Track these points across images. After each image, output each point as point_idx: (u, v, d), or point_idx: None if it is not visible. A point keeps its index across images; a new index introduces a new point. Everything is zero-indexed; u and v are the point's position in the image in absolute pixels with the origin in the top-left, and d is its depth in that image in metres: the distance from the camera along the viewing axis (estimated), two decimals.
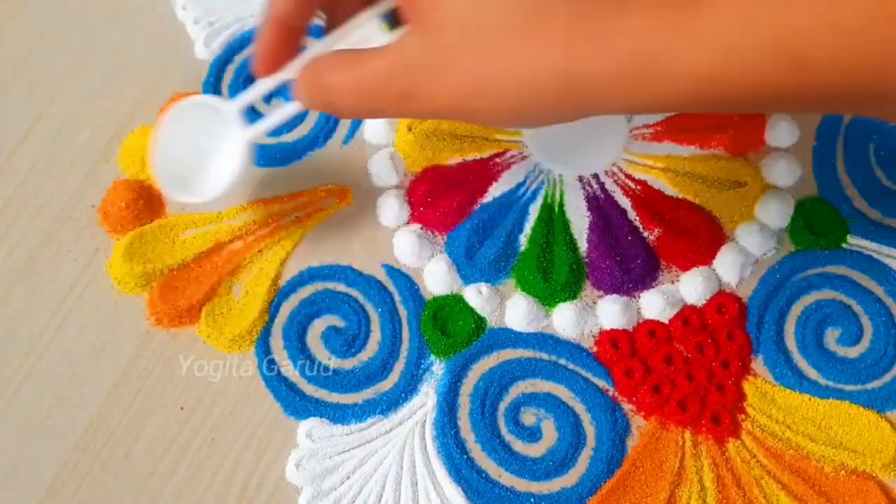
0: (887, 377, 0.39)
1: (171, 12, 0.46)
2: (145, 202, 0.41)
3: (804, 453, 0.37)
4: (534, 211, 0.41)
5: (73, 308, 0.39)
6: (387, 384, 0.38)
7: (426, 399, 0.38)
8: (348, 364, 0.39)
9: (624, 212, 0.41)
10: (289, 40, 0.36)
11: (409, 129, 0.42)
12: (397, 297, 0.40)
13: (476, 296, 0.39)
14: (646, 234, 0.41)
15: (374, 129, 0.43)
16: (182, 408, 0.38)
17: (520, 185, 0.42)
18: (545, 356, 0.39)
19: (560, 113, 0.30)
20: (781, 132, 0.43)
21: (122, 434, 0.37)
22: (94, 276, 0.40)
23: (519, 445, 0.37)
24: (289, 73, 0.36)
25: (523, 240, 0.41)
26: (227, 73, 0.44)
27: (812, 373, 0.39)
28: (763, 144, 0.43)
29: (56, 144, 0.43)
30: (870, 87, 0.27)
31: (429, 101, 0.31)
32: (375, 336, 0.39)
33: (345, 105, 0.34)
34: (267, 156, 0.42)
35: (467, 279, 0.40)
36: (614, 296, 0.40)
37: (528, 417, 0.38)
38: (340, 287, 0.40)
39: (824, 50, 0.27)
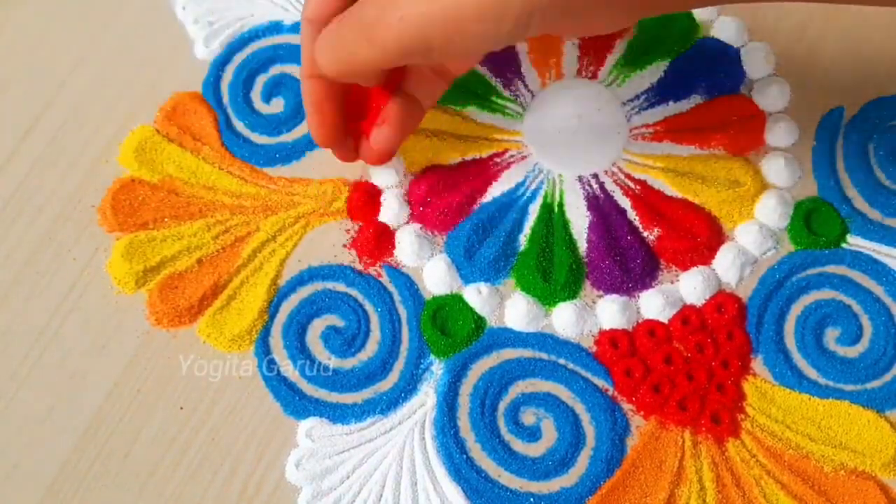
0: (887, 377, 0.39)
1: (171, 12, 0.46)
2: (145, 202, 0.41)
3: (804, 453, 0.37)
4: (533, 211, 0.41)
5: (73, 308, 0.39)
6: (386, 384, 0.38)
7: (426, 399, 0.38)
8: (348, 364, 0.39)
9: (624, 212, 0.41)
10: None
11: None
12: (397, 297, 0.40)
13: (476, 295, 0.39)
14: (646, 233, 0.41)
15: None
16: (182, 408, 0.38)
17: (519, 184, 0.42)
18: (545, 356, 0.39)
19: (526, 12, 0.29)
20: (781, 132, 0.43)
21: (122, 434, 0.37)
22: (94, 276, 0.40)
23: (518, 445, 0.38)
24: None
25: (523, 240, 0.41)
26: (226, 72, 0.44)
27: (812, 372, 0.39)
28: (763, 144, 0.43)
29: (56, 144, 0.43)
30: None
31: (399, 20, 0.30)
32: (375, 336, 0.39)
33: (329, 61, 0.33)
34: (267, 155, 0.42)
35: (467, 279, 0.40)
36: (614, 295, 0.40)
37: (528, 417, 0.38)
38: (340, 287, 0.40)
39: None
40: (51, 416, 0.38)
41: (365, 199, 0.41)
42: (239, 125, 0.43)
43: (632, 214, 0.41)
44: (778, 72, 0.44)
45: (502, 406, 0.38)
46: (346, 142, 0.39)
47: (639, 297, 0.40)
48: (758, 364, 0.39)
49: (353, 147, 0.40)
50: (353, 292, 0.40)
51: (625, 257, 0.40)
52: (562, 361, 0.39)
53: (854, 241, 0.41)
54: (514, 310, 0.39)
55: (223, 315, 0.39)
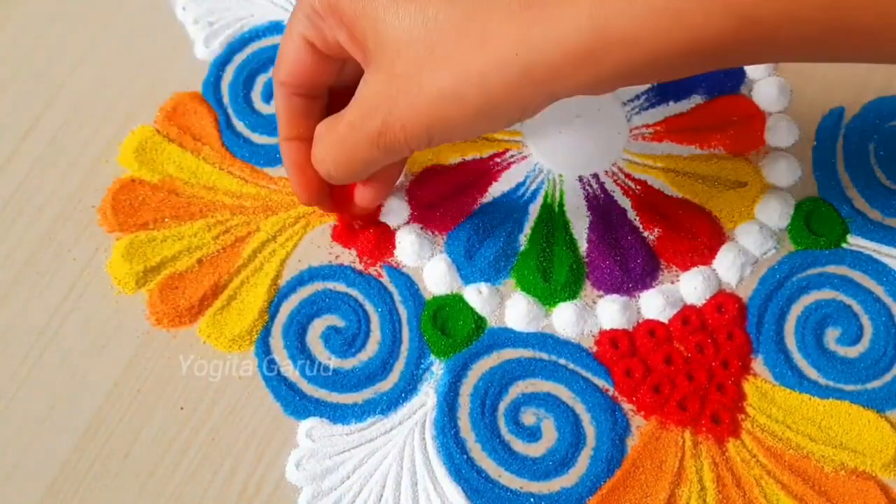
0: (887, 377, 0.39)
1: (171, 12, 0.46)
2: (145, 202, 0.41)
3: (804, 453, 0.37)
4: (534, 211, 0.41)
5: (73, 308, 0.39)
6: (387, 384, 0.38)
7: (426, 399, 0.38)
8: (348, 364, 0.39)
9: (624, 212, 0.41)
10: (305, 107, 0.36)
11: None
12: (397, 297, 0.40)
13: (476, 295, 0.39)
14: (646, 234, 0.41)
15: None
16: (182, 408, 0.38)
17: (520, 185, 0.42)
18: (545, 356, 0.39)
19: (525, 100, 0.31)
20: (781, 132, 0.43)
21: (122, 434, 0.37)
22: (94, 276, 0.40)
23: (519, 445, 0.37)
24: None
25: (523, 240, 0.41)
26: (226, 72, 0.44)
27: (812, 373, 0.39)
28: (763, 144, 0.43)
29: (56, 144, 0.43)
30: (825, 31, 0.28)
31: (402, 128, 0.32)
32: (375, 336, 0.39)
33: (338, 170, 0.35)
34: (267, 155, 0.42)
35: (467, 279, 0.40)
36: (614, 295, 0.40)
37: (528, 417, 0.38)
38: (340, 287, 0.40)
39: (773, 2, 0.27)
40: (51, 416, 0.38)
41: None
42: (239, 125, 0.43)
43: (632, 214, 0.41)
44: (778, 72, 0.44)
45: (502, 406, 0.38)
46: (329, 198, 0.39)
47: (639, 297, 0.40)
48: (758, 364, 0.39)
49: (338, 201, 0.40)
50: (354, 292, 0.40)
51: (625, 257, 0.40)
52: (562, 361, 0.39)
53: (854, 241, 0.41)
54: (514, 310, 0.39)
55: (223, 315, 0.39)
